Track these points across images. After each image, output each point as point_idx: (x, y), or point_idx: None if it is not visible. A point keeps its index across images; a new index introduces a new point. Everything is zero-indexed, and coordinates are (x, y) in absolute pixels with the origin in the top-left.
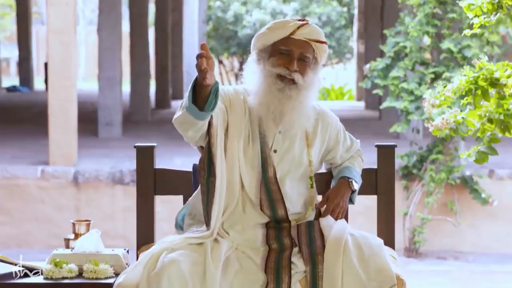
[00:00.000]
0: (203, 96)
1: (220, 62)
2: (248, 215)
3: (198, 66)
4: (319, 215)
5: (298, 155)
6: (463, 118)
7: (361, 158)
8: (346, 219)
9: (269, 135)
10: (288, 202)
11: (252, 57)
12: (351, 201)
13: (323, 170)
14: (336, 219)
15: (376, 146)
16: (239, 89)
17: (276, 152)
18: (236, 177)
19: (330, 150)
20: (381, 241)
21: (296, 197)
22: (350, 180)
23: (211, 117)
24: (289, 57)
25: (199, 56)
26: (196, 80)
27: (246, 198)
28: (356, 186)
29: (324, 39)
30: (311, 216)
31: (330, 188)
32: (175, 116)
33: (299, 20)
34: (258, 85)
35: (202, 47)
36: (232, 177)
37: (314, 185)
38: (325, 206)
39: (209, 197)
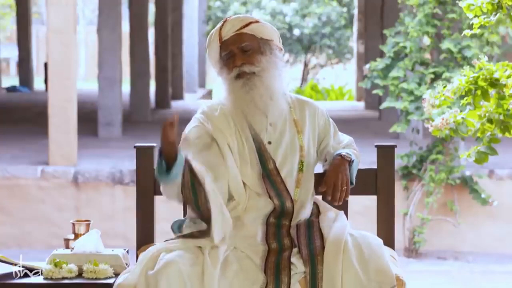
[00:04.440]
0: (170, 163)
1: None
2: (252, 207)
3: (166, 138)
4: (317, 211)
5: (291, 142)
6: (463, 118)
7: (356, 150)
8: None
9: (260, 129)
10: (291, 191)
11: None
12: (351, 181)
13: (319, 170)
14: (341, 193)
15: (376, 146)
16: (212, 104)
17: (270, 144)
18: (239, 179)
19: (322, 139)
20: (380, 240)
21: (291, 184)
22: (342, 154)
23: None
24: (232, 57)
25: (167, 126)
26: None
27: (251, 194)
28: (352, 157)
29: (250, 20)
30: (304, 208)
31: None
32: (166, 196)
33: (220, 23)
34: (227, 94)
35: (173, 119)
36: (236, 181)
37: (305, 169)
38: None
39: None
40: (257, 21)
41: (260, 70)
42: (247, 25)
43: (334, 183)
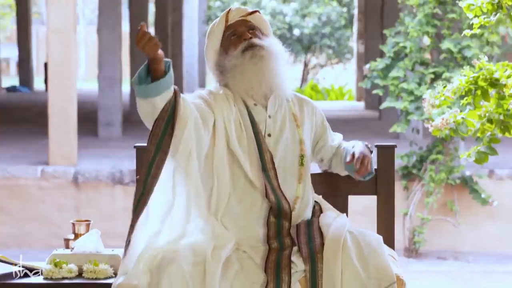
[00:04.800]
0: (159, 75)
1: None
2: (250, 207)
3: (151, 42)
4: (320, 211)
5: (291, 136)
6: (463, 118)
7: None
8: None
9: (260, 121)
10: (286, 188)
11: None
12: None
13: (319, 170)
14: (366, 167)
15: (376, 146)
16: (216, 87)
17: (270, 136)
18: (226, 170)
19: (320, 138)
20: (380, 237)
21: (292, 180)
22: (367, 144)
23: (176, 95)
24: (239, 34)
25: (143, 34)
26: (147, 65)
27: (246, 187)
28: (373, 148)
29: (255, 9)
30: (307, 205)
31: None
32: (139, 112)
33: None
34: (234, 73)
35: (142, 27)
36: (222, 171)
37: (305, 163)
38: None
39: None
40: (256, 11)
41: (266, 46)
42: (252, 13)
43: (363, 157)
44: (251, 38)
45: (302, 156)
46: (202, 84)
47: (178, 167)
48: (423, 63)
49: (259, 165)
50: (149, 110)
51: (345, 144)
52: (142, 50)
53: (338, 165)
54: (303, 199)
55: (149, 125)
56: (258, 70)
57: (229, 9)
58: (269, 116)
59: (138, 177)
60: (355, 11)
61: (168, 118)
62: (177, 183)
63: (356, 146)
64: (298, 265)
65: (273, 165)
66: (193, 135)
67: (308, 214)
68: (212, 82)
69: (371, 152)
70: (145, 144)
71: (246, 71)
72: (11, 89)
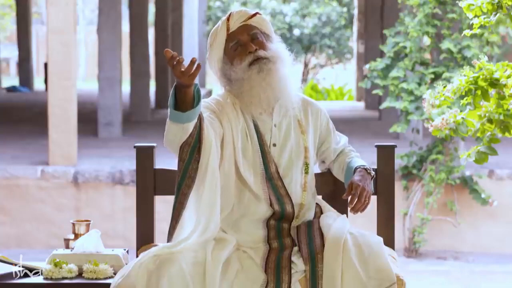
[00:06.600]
0: (187, 101)
1: None
2: (252, 216)
3: (178, 70)
4: (320, 212)
5: (296, 145)
6: (463, 118)
7: (357, 153)
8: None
9: (265, 130)
10: (293, 196)
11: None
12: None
13: (319, 170)
14: (364, 203)
15: (376, 146)
16: (222, 95)
17: (275, 146)
18: (231, 182)
19: (324, 141)
20: (380, 239)
21: (296, 187)
22: (365, 167)
23: (200, 117)
24: (243, 45)
25: (173, 60)
26: (175, 88)
27: (250, 199)
28: (372, 173)
29: (253, 12)
30: (310, 210)
31: (351, 180)
32: (165, 137)
33: (225, 17)
34: (240, 86)
35: (166, 53)
36: (227, 182)
37: (310, 171)
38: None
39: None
40: (257, 13)
41: (273, 57)
42: (253, 16)
43: (359, 194)
44: (256, 50)
45: (306, 164)
46: (202, 84)
47: (207, 197)
48: (423, 63)
49: (263, 176)
50: (179, 134)
51: (349, 157)
52: (178, 78)
53: (339, 173)
54: (307, 206)
55: (174, 150)
56: (266, 84)
57: (230, 14)
58: (275, 125)
59: None
60: (355, 11)
61: (195, 143)
62: (202, 213)
63: (356, 173)
64: (298, 265)
65: (278, 175)
66: (217, 158)
67: (309, 217)
68: (212, 82)
69: (372, 177)
70: (145, 144)
71: (254, 86)
72: (11, 89)
